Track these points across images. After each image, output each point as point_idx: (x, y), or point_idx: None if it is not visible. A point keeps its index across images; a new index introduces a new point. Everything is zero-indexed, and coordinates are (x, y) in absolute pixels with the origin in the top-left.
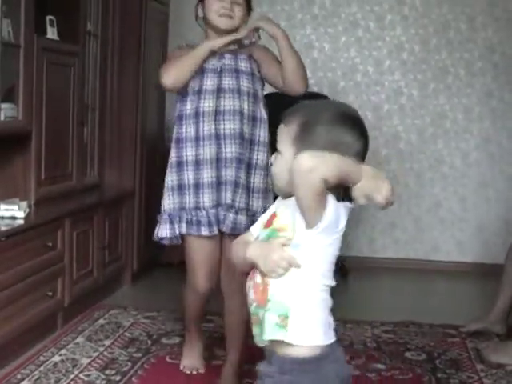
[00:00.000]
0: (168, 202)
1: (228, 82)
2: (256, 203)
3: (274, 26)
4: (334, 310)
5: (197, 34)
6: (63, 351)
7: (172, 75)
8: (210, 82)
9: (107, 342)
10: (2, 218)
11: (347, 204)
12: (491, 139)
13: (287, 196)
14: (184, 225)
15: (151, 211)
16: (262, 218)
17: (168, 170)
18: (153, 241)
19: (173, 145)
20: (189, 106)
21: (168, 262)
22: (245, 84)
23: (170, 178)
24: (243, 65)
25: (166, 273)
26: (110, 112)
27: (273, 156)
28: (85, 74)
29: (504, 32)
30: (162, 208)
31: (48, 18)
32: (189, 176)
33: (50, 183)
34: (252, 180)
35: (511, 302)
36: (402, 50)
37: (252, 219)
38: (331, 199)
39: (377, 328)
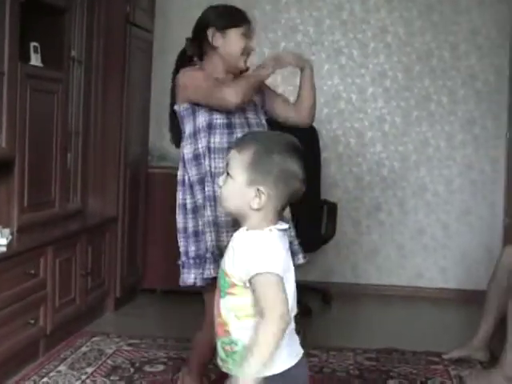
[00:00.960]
0: (190, 249)
1: (252, 115)
2: None
3: (300, 57)
4: (316, 337)
5: None
6: (45, 379)
7: (242, 95)
8: (238, 116)
9: (89, 370)
10: None
11: (280, 227)
12: (474, 166)
13: (233, 217)
14: (212, 266)
15: (134, 237)
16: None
17: (181, 212)
18: (135, 267)
19: (186, 187)
20: (218, 140)
21: (151, 288)
22: (262, 117)
23: (183, 222)
24: (256, 98)
25: (149, 299)
26: (94, 137)
27: (221, 178)
28: (68, 99)
29: (487, 59)
30: (183, 252)
31: (32, 44)
32: (208, 217)
33: (33, 210)
34: None
35: (494, 329)
36: (385, 77)
37: None
38: (279, 258)
39: (360, 355)
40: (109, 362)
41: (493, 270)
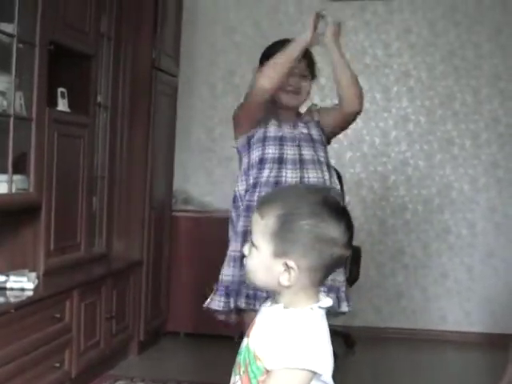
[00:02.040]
0: (227, 273)
1: (308, 151)
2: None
3: (338, 40)
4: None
5: (205, 108)
6: None
7: (268, 77)
8: (290, 151)
9: None
10: (12, 289)
11: (323, 304)
12: (497, 209)
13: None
14: (243, 299)
15: (159, 280)
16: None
17: (232, 239)
18: (159, 310)
19: (242, 212)
20: (266, 174)
21: (174, 331)
22: (321, 154)
23: (234, 248)
24: (315, 133)
25: (173, 342)
26: (119, 181)
27: (246, 247)
28: (94, 144)
29: (509, 103)
30: (220, 278)
31: (59, 90)
32: None
33: (59, 254)
34: None
35: None
36: (408, 121)
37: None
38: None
39: None
40: None
41: None
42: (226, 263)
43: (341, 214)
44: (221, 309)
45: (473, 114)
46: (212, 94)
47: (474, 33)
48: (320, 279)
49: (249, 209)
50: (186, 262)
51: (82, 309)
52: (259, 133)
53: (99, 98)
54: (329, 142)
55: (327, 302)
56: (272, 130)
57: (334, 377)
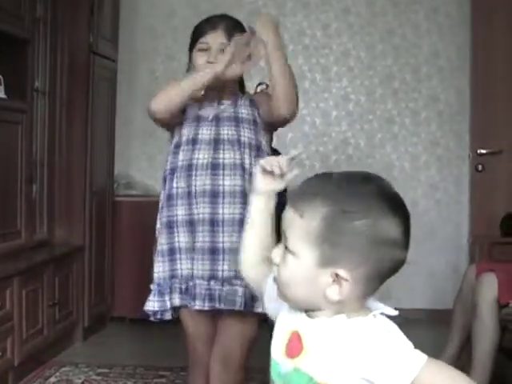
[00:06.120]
0: (157, 270)
1: (227, 131)
2: None
3: (270, 30)
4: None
5: (145, 92)
6: None
7: (159, 103)
8: (206, 131)
9: None
10: None
11: (388, 311)
12: (438, 186)
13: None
14: (177, 295)
15: (102, 265)
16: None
17: (157, 232)
18: (103, 296)
19: (164, 202)
20: (181, 158)
21: (119, 316)
22: (246, 134)
23: (159, 241)
24: (244, 111)
25: (118, 328)
26: (59, 167)
27: (275, 251)
28: (33, 130)
29: (447, 81)
30: (153, 277)
31: None
32: (180, 239)
33: None
34: None
35: (460, 347)
36: (348, 100)
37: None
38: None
39: None
40: None
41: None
42: (154, 261)
43: (400, 208)
44: (157, 309)
45: (412, 92)
46: (152, 79)
47: (412, 12)
48: (375, 289)
49: (170, 198)
50: (130, 247)
51: (23, 296)
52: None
53: (37, 84)
54: (275, 129)
55: (390, 310)
56: (189, 111)
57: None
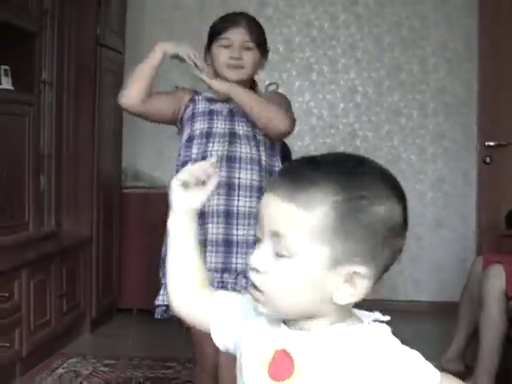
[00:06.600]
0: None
1: (242, 127)
2: None
3: (221, 83)
4: None
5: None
6: None
7: (125, 91)
8: (220, 125)
9: None
10: None
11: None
12: (445, 178)
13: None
14: None
15: (109, 257)
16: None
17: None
18: (111, 287)
19: None
20: (195, 151)
21: (127, 308)
22: (260, 132)
23: None
24: None
25: (125, 319)
26: (67, 159)
27: (257, 257)
28: (40, 122)
29: (455, 73)
30: (163, 271)
31: (3, 67)
32: None
33: (6, 233)
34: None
35: (467, 340)
36: (356, 92)
37: None
38: None
39: None
40: (85, 383)
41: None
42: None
43: (401, 192)
44: (165, 302)
45: (419, 84)
46: (159, 71)
47: (419, 3)
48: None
49: None
50: (137, 239)
51: (31, 288)
52: (188, 112)
53: (44, 76)
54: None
55: (379, 314)
56: (201, 105)
57: None
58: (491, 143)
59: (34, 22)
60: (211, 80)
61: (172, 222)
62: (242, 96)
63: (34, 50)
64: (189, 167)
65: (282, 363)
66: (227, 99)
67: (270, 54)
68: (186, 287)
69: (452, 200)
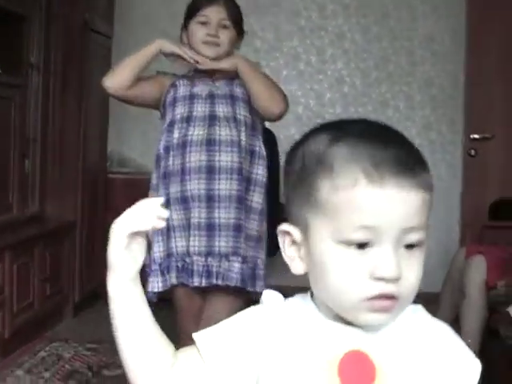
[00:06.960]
0: (156, 250)
1: (223, 109)
2: (248, 253)
3: (227, 60)
4: None
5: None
6: None
7: (113, 75)
8: (200, 109)
9: (47, 375)
10: None
11: None
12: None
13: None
14: (174, 274)
15: (93, 242)
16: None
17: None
18: (95, 272)
19: (160, 180)
20: (176, 135)
21: None
22: (241, 112)
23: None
24: (239, 90)
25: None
26: (52, 143)
27: (390, 267)
28: (26, 106)
29: (441, 65)
30: (151, 257)
31: None
32: (173, 216)
33: None
34: (245, 225)
35: None
36: (343, 83)
37: (246, 268)
38: None
39: None
40: (67, 366)
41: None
42: (153, 239)
43: None
44: (161, 289)
45: (406, 76)
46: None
47: None
48: None
49: (166, 175)
50: None
51: (14, 270)
52: (169, 97)
53: (31, 59)
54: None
55: None
56: (182, 90)
57: None
58: (476, 136)
59: (22, 5)
60: (218, 62)
61: (116, 288)
62: (249, 69)
63: (22, 33)
64: (137, 210)
65: (359, 366)
66: (226, 79)
67: (258, 43)
68: (155, 369)
69: (437, 192)
